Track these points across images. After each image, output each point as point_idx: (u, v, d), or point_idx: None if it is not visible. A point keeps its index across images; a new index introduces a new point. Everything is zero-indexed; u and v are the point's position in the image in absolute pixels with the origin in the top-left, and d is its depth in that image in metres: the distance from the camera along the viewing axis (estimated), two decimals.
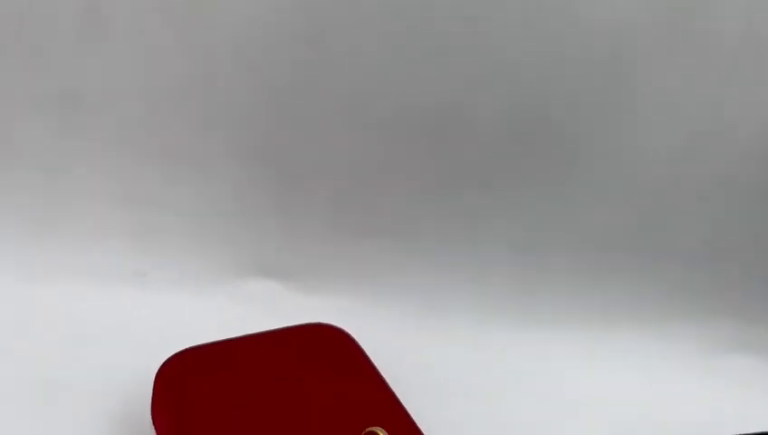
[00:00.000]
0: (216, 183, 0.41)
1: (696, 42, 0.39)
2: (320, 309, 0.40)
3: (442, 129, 0.40)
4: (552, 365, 0.42)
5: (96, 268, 0.42)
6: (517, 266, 0.43)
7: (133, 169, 0.41)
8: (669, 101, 0.40)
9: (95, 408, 0.35)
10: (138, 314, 0.41)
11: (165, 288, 0.42)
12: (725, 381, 0.42)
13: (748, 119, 0.40)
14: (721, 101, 0.40)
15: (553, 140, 0.41)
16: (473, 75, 0.40)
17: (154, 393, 0.33)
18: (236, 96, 0.39)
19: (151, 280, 0.43)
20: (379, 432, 0.30)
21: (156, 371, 0.34)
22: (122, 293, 0.42)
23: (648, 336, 0.43)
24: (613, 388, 0.41)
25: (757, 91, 0.40)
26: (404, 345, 0.40)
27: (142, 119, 0.40)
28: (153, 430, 0.33)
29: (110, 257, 0.43)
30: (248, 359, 0.35)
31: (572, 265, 0.43)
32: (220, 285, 0.43)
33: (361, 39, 0.39)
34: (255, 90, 0.40)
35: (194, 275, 0.43)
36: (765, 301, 0.43)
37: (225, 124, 0.40)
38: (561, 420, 0.39)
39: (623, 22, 0.39)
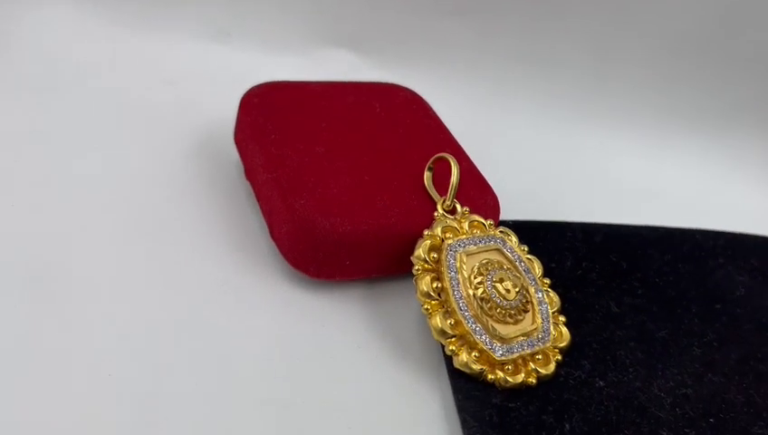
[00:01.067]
0: None
1: None
2: (394, 81, 0.42)
3: None
4: (609, 156, 0.43)
5: (183, 22, 0.44)
6: (588, 62, 0.44)
7: None
8: None
9: (181, 134, 0.38)
10: (220, 66, 0.43)
11: (247, 49, 0.44)
12: None
13: None
14: None
15: None
16: None
17: (239, 115, 0.35)
18: None
19: (234, 40, 0.45)
20: (448, 158, 0.32)
21: (236, 107, 0.36)
22: (207, 48, 0.44)
23: (708, 143, 0.44)
24: (665, 181, 0.42)
25: None
26: (470, 118, 0.42)
27: None
28: (236, 151, 0.36)
29: (197, 14, 0.44)
30: (326, 99, 0.37)
31: (642, 66, 0.43)
32: (300, 52, 0.45)
33: None
34: None
35: (275, 39, 0.45)
36: None
37: None
38: (610, 203, 0.41)
39: None
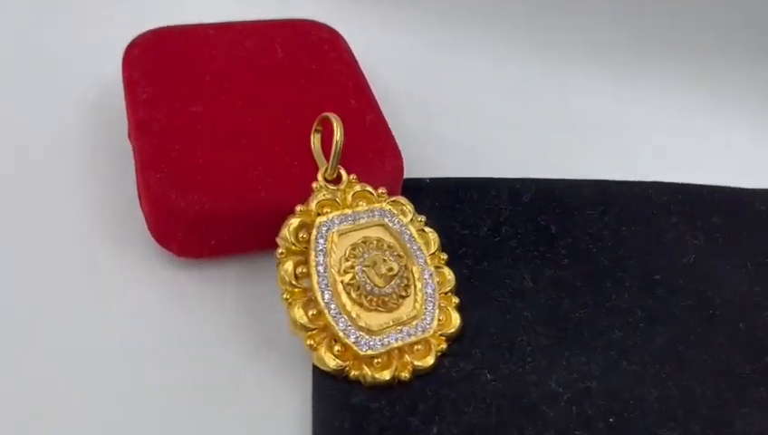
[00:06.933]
0: None
1: None
2: (325, 12, 0.37)
3: None
4: (571, 96, 0.38)
5: None
6: None
7: None
8: None
9: (81, 83, 0.36)
10: (138, 3, 0.40)
11: None
12: None
13: None
14: None
15: None
16: None
17: (122, 70, 0.32)
18: None
19: None
20: (331, 118, 0.28)
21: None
22: None
23: (688, 76, 0.38)
24: (637, 125, 0.37)
25: None
26: (405, 59, 0.38)
27: None
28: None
29: None
30: (220, 45, 0.33)
31: None
32: None
33: None
34: None
35: None
36: None
37: None
38: (571, 153, 0.36)
39: None
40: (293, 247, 0.26)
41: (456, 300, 0.28)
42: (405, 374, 0.26)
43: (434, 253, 0.28)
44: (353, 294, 0.26)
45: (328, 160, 0.28)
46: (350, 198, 0.28)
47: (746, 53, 0.37)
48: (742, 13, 0.37)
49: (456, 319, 0.27)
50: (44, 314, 0.27)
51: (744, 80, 0.37)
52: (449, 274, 0.28)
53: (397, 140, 0.31)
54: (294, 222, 0.27)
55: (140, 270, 0.28)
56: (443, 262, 0.28)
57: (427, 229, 0.29)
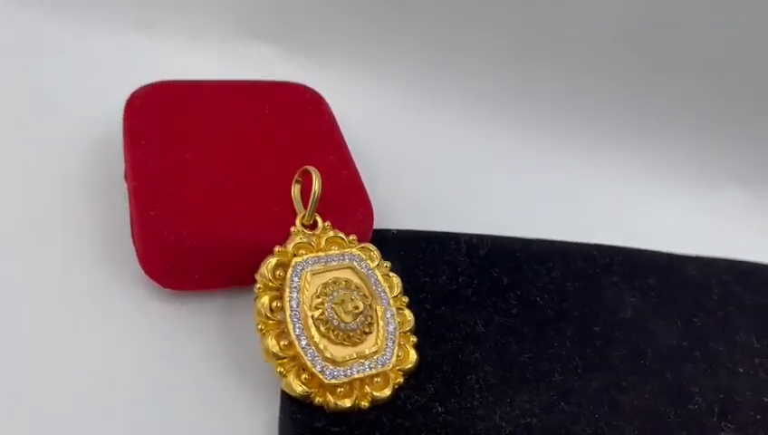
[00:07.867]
0: None
1: None
2: (309, 75, 0.41)
3: None
4: (526, 164, 0.42)
5: (105, 12, 0.44)
6: (510, 64, 0.42)
7: None
8: None
9: (80, 127, 0.39)
10: (138, 59, 0.43)
11: (165, 41, 0.44)
12: None
13: None
14: None
15: None
16: None
17: (123, 119, 0.35)
18: None
19: (157, 31, 0.44)
20: (311, 171, 0.32)
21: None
22: (124, 38, 0.44)
23: (631, 155, 0.42)
24: (583, 194, 0.41)
25: None
26: (381, 120, 0.42)
27: None
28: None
29: (120, 4, 0.44)
30: (213, 100, 0.36)
31: (567, 69, 0.41)
32: (218, 45, 0.44)
33: None
34: None
35: (195, 30, 0.44)
36: None
37: None
38: (524, 214, 0.40)
39: None
40: (270, 284, 0.29)
41: (414, 339, 0.31)
42: (364, 403, 0.29)
43: (396, 295, 0.31)
44: (322, 328, 0.29)
45: (306, 208, 0.32)
46: (323, 242, 0.31)
47: (686, 129, 0.41)
48: (681, 94, 0.42)
49: (413, 356, 0.30)
50: (31, 339, 0.29)
51: (682, 155, 0.42)
52: (409, 315, 0.31)
53: (368, 194, 0.35)
54: (272, 261, 0.30)
55: (129, 300, 0.31)
56: (404, 304, 0.31)
57: (392, 274, 0.32)
